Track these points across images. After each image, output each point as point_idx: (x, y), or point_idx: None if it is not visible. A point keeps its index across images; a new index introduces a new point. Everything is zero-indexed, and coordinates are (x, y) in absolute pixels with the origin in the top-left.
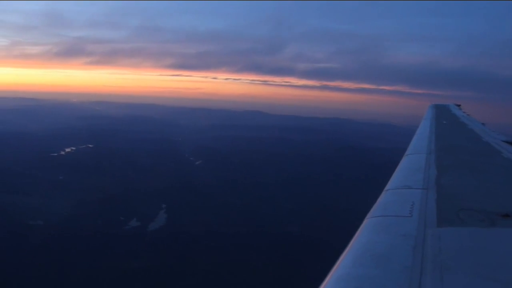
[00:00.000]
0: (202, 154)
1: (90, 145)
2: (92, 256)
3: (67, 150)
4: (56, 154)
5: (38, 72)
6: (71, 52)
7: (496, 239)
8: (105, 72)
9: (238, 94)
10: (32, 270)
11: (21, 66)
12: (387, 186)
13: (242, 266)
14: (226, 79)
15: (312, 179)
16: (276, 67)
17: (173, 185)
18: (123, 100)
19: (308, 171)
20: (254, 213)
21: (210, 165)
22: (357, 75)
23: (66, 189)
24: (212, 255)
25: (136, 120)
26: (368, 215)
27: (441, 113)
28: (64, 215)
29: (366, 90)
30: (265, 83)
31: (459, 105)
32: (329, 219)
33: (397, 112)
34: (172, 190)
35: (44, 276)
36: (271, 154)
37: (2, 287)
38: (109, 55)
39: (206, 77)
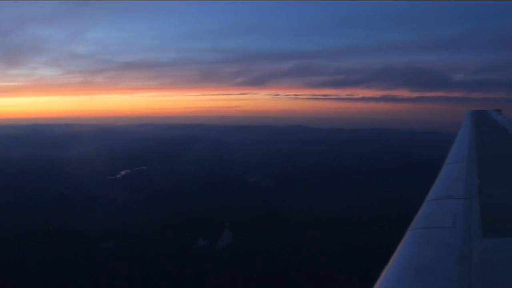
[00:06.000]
0: (255, 171)
1: (144, 167)
2: (175, 276)
3: (123, 173)
4: (113, 177)
5: (80, 98)
6: (114, 77)
7: None
8: (144, 95)
9: (278, 110)
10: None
11: (67, 94)
12: (428, 197)
13: (323, 277)
14: (276, 95)
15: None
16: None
17: (232, 202)
18: (163, 122)
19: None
20: (324, 226)
21: (266, 182)
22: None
23: (127, 211)
24: (289, 269)
25: (182, 140)
26: (410, 227)
27: (481, 119)
28: (132, 236)
29: (425, 99)
30: (323, 97)
31: (499, 110)
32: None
33: (439, 119)
34: (232, 208)
35: None
36: (329, 167)
37: None
38: (149, 79)
39: (245, 93)
